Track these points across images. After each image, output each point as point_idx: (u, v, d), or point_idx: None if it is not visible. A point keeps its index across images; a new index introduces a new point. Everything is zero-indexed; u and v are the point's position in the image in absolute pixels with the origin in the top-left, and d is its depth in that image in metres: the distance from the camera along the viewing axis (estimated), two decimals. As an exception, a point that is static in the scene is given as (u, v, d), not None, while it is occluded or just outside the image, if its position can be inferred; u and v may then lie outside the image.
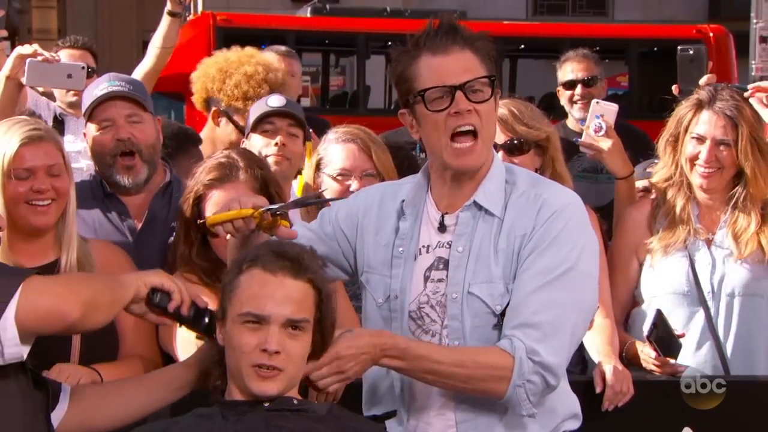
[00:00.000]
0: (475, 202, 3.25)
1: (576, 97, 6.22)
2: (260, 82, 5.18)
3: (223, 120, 5.29)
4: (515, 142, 4.16)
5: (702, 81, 4.76)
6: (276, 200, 3.86)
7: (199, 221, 3.79)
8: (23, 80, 4.69)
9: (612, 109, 4.54)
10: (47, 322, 2.83)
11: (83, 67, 4.90)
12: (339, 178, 4.22)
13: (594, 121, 4.52)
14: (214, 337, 3.18)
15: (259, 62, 5.30)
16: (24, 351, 2.83)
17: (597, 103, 4.62)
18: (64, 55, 6.04)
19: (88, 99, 4.40)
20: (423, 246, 3.30)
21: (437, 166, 3.29)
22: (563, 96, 6.29)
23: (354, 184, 4.20)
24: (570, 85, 6.25)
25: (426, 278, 3.28)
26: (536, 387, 3.13)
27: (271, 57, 5.83)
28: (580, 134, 6.11)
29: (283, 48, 6.65)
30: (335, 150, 4.26)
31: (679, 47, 5.02)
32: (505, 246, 3.21)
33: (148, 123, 4.36)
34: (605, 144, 4.54)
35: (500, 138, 4.12)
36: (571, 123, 6.31)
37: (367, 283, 3.39)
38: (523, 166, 4.07)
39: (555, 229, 3.19)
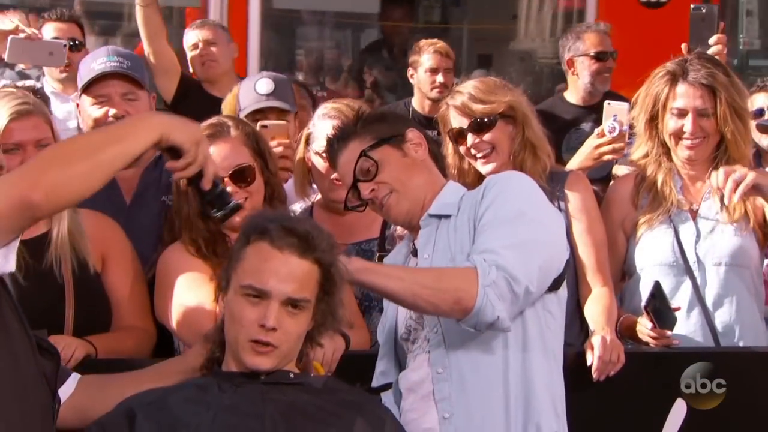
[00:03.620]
0: (429, 215, 3.43)
1: (605, 71, 6.19)
2: None
3: None
4: (476, 121, 4.17)
5: (711, 41, 4.74)
6: (267, 157, 3.95)
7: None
8: (4, 57, 4.67)
9: (624, 108, 4.55)
10: (8, 213, 2.55)
11: (65, 45, 4.90)
12: (324, 155, 4.21)
13: (608, 123, 4.53)
14: (215, 216, 3.04)
15: None
16: (5, 263, 2.61)
17: (609, 104, 4.63)
18: (50, 29, 6.01)
19: (85, 72, 4.38)
20: None
21: None
22: (586, 68, 6.23)
23: None
24: (600, 57, 6.20)
25: None
26: (502, 290, 3.16)
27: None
28: (581, 107, 6.16)
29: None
30: (322, 126, 4.24)
31: (692, 5, 4.97)
32: (460, 224, 3.36)
33: (143, 101, 4.37)
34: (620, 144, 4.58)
35: (464, 123, 4.19)
36: (572, 96, 6.28)
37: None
38: (497, 139, 4.18)
39: (500, 187, 3.35)
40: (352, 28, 10.02)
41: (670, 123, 4.29)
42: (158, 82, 5.89)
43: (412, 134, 3.48)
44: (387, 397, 3.45)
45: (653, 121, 4.35)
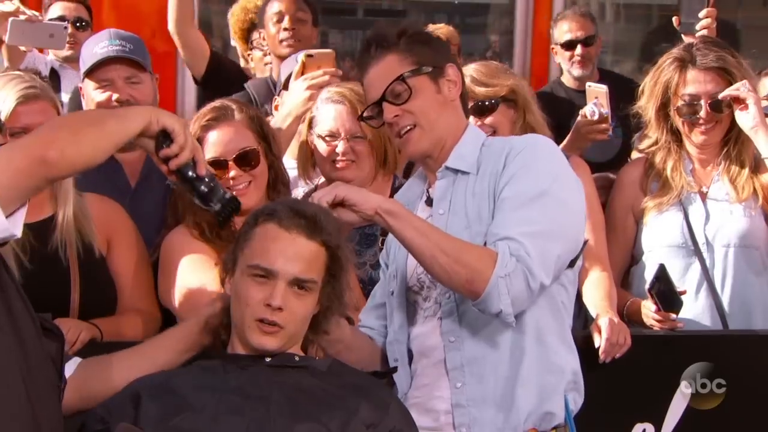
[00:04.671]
0: (446, 167, 3.35)
1: (575, 58, 6.16)
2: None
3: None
4: (478, 104, 4.18)
5: (701, 14, 4.75)
6: (271, 140, 3.95)
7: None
8: (5, 39, 4.67)
9: (603, 91, 4.55)
10: (25, 170, 2.64)
11: (65, 27, 4.90)
12: (327, 138, 4.21)
13: (589, 107, 4.54)
14: (210, 208, 3.01)
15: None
16: (13, 227, 2.64)
17: (589, 86, 4.64)
18: (57, 7, 6.00)
19: (87, 56, 4.37)
20: None
21: None
22: (561, 56, 6.23)
23: (341, 145, 4.19)
24: (569, 45, 6.19)
25: None
26: (516, 284, 3.11)
27: None
28: (577, 91, 6.16)
29: None
30: (325, 110, 4.24)
31: None
32: (479, 189, 3.29)
33: (147, 84, 4.37)
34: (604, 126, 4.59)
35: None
36: (566, 80, 6.28)
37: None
38: (498, 123, 4.20)
39: (524, 159, 3.26)
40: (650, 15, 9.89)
41: (683, 109, 4.29)
42: (187, 63, 5.77)
43: (452, 70, 3.36)
44: (400, 351, 3.42)
45: (663, 109, 4.35)
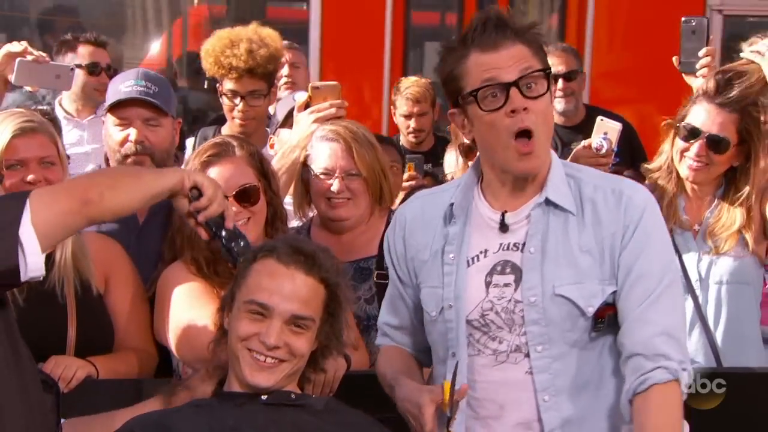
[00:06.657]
0: (546, 199, 3.09)
1: (558, 93, 6.18)
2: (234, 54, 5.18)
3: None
4: (465, 144, 4.17)
5: (701, 53, 4.78)
6: (270, 177, 3.99)
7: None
8: (11, 78, 4.69)
9: (615, 127, 4.54)
10: (68, 210, 2.77)
11: (72, 69, 4.91)
12: (322, 176, 4.23)
13: (597, 139, 4.53)
14: (237, 261, 3.15)
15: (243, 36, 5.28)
16: (42, 266, 2.73)
17: (601, 120, 4.62)
18: (82, 50, 6.07)
19: (112, 92, 4.41)
20: (481, 251, 3.12)
21: (497, 167, 3.10)
22: None
23: (336, 183, 4.20)
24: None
25: (487, 284, 3.10)
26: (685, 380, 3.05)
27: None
28: (563, 127, 6.19)
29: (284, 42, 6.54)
30: (320, 148, 4.26)
31: (683, 18, 4.99)
32: (593, 244, 3.06)
33: (166, 127, 4.38)
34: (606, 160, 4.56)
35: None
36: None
37: (422, 298, 3.20)
38: None
39: (651, 228, 3.10)
40: None
41: (680, 138, 4.28)
42: None
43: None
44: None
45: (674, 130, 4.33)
